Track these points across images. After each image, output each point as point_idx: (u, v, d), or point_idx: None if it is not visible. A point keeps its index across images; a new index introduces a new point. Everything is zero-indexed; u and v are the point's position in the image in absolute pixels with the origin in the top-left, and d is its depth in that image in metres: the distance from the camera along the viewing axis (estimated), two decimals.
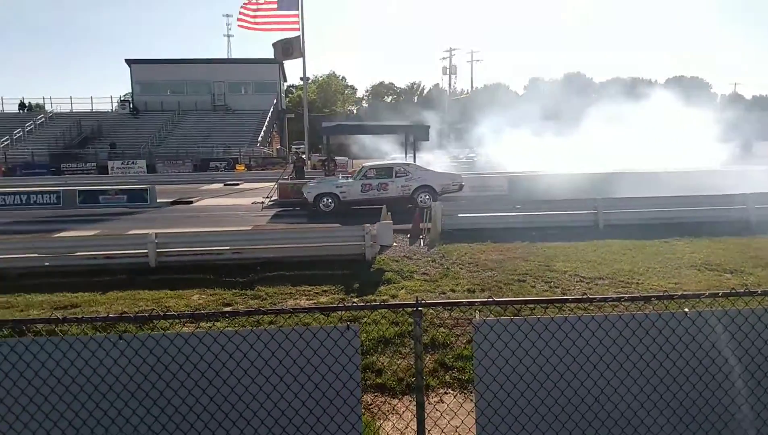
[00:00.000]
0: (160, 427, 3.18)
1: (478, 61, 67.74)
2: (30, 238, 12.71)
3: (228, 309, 8.16)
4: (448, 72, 66.60)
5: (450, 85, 68.49)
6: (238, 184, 30.14)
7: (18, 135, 45.36)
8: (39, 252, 11.35)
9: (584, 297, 3.69)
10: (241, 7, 31.20)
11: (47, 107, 52.96)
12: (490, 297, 3.63)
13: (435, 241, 12.43)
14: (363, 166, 19.85)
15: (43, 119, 49.00)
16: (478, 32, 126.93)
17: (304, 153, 31.43)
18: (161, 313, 3.43)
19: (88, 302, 8.85)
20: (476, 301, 3.71)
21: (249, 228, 14.86)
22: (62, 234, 14.78)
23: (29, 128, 46.76)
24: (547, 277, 9.46)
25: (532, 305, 3.64)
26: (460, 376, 6.04)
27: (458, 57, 76.01)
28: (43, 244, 11.98)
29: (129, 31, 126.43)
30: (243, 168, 39.50)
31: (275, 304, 8.46)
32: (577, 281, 9.20)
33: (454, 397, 5.63)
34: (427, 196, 18.57)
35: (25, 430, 3.09)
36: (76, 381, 3.11)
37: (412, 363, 6.01)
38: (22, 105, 52.44)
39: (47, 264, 10.99)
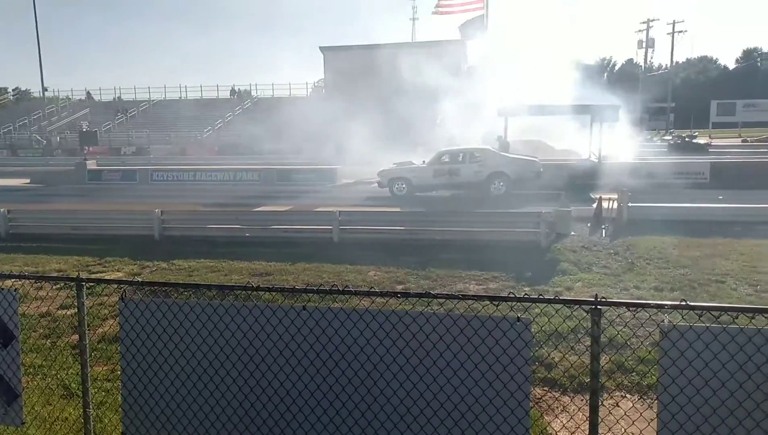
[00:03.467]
0: (334, 396, 3.39)
1: (680, 32, 60.41)
2: (234, 212, 14.39)
3: (400, 288, 8.45)
4: (644, 46, 60.63)
5: (646, 60, 62.47)
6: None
7: (229, 118, 51.41)
8: (241, 223, 12.83)
9: None
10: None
11: (253, 93, 59.14)
12: (682, 300, 3.24)
13: (619, 232, 11.54)
14: (439, 151, 19.03)
15: (249, 104, 54.86)
16: (681, 1, 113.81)
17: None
18: (340, 289, 3.64)
19: (280, 271, 9.78)
20: (666, 304, 3.34)
21: (422, 210, 15.17)
22: (260, 208, 16.48)
23: (238, 112, 52.73)
24: (753, 279, 8.27)
25: (734, 313, 3.18)
26: (640, 381, 5.57)
27: (657, 29, 68.97)
28: (245, 216, 13.51)
29: (320, 21, 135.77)
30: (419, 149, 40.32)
31: (445, 287, 8.56)
32: None
33: (633, 403, 5.19)
34: (501, 184, 17.35)
35: (221, 384, 3.51)
36: (265, 344, 3.44)
37: (586, 361, 5.66)
38: (232, 91, 59.25)
39: (247, 235, 12.37)
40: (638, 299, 7.31)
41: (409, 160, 21.39)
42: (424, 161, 19.14)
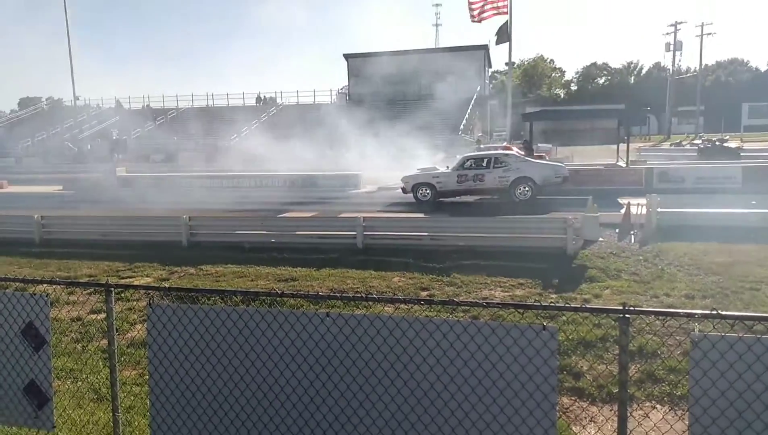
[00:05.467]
0: (358, 403, 3.38)
1: (709, 35, 59.18)
2: (260, 217, 14.52)
3: (425, 295, 8.42)
4: (672, 49, 59.56)
5: (673, 63, 61.31)
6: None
7: (255, 125, 52.06)
8: (267, 229, 12.94)
9: None
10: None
11: (278, 100, 59.79)
12: (714, 308, 3.16)
13: (648, 238, 11.32)
14: (463, 156, 18.92)
15: (275, 111, 55.48)
16: (710, 2, 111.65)
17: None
18: (364, 295, 3.65)
19: (305, 277, 9.82)
20: (696, 313, 3.26)
21: (447, 215, 15.12)
22: (286, 214, 16.60)
23: (264, 119, 53.36)
24: None
25: None
26: (671, 391, 5.44)
27: (685, 31, 67.76)
28: (270, 222, 13.62)
29: (344, 26, 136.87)
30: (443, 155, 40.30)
31: (470, 293, 8.50)
32: None
33: (663, 414, 5.08)
34: (527, 189, 17.16)
35: (246, 390, 3.53)
36: (289, 351, 3.45)
37: (614, 370, 5.56)
38: (258, 99, 59.95)
39: (273, 241, 12.46)
40: (668, 307, 7.16)
41: (433, 165, 21.33)
42: (447, 166, 19.10)
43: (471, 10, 32.17)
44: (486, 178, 17.63)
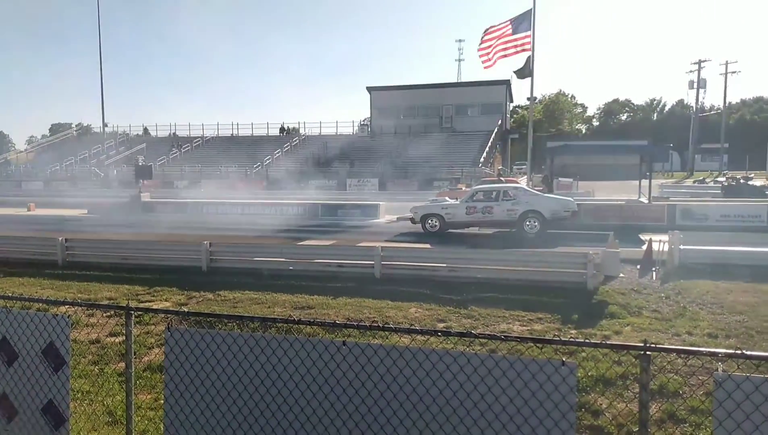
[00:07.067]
0: (372, 434, 3.35)
1: (734, 73, 59.10)
2: (279, 245, 14.60)
3: (441, 326, 8.35)
4: (695, 86, 59.42)
5: (697, 101, 61.07)
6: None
7: (278, 155, 52.77)
8: (286, 256, 12.99)
9: None
10: (479, 48, 31.07)
11: (301, 131, 60.71)
12: (738, 348, 3.09)
13: (670, 275, 11.13)
14: (473, 188, 19.16)
15: (297, 141, 56.26)
16: (735, 41, 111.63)
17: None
18: (380, 325, 3.64)
19: (321, 305, 9.81)
20: (719, 352, 3.19)
21: (465, 247, 15.05)
22: (305, 242, 16.67)
23: (286, 149, 54.11)
24: None
25: None
26: (693, 432, 5.28)
27: (709, 69, 67.61)
28: (289, 250, 13.68)
29: (369, 60, 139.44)
30: (464, 186, 40.38)
31: (488, 326, 8.40)
32: None
33: None
34: (535, 222, 17.12)
35: (260, 416, 3.52)
36: (304, 378, 3.45)
37: (634, 409, 5.42)
38: (282, 129, 60.97)
39: (291, 268, 12.50)
40: (690, 346, 7.00)
41: (443, 197, 21.48)
42: (457, 198, 19.26)
43: (486, 55, 30.87)
44: (495, 210, 17.66)
